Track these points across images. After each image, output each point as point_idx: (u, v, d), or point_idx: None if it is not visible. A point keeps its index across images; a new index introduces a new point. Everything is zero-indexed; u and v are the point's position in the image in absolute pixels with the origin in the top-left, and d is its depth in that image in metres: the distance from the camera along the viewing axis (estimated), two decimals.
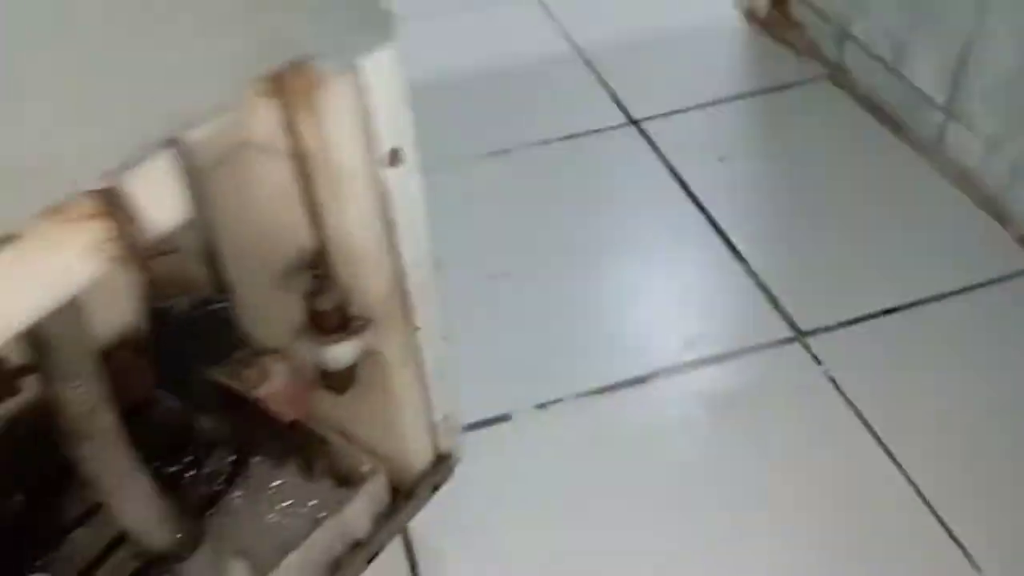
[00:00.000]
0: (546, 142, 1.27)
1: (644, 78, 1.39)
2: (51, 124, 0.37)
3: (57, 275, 0.42)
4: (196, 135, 0.45)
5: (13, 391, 0.68)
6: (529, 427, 0.92)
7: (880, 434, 0.87)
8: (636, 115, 1.32)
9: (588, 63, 1.44)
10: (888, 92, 1.24)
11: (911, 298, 1.00)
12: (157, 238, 0.45)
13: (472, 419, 0.86)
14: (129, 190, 0.43)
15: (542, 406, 0.93)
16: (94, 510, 0.71)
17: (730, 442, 0.89)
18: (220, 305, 0.50)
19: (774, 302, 1.01)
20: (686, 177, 1.19)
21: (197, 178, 0.46)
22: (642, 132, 1.29)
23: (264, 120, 0.51)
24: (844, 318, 0.99)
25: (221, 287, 0.51)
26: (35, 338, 0.49)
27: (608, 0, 1.61)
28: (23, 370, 0.63)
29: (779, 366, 0.95)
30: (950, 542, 0.78)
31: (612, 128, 1.30)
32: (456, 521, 0.82)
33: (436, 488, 0.78)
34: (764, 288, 1.03)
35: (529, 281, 1.07)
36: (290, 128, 0.52)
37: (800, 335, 0.97)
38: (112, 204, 0.42)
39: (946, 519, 0.80)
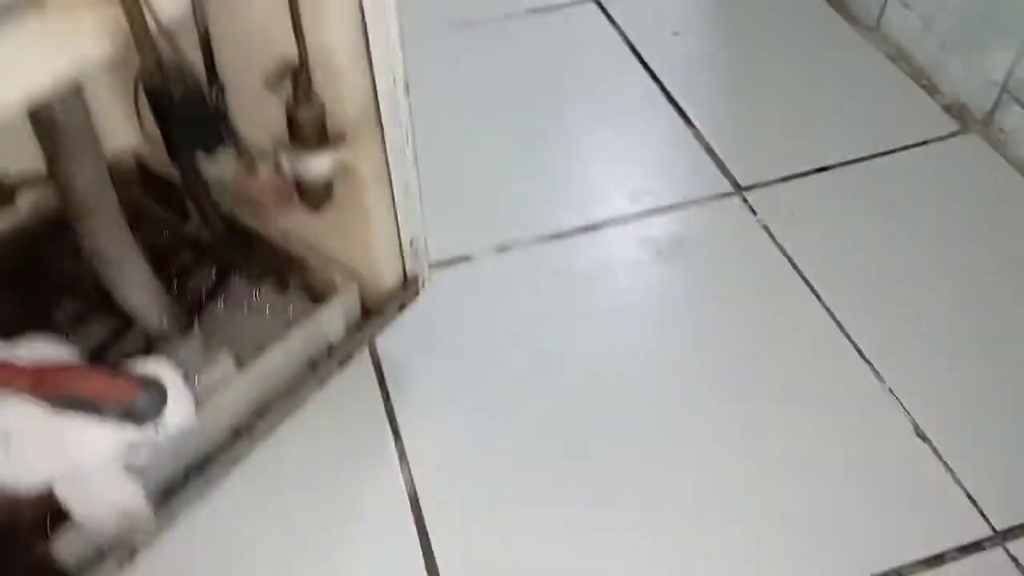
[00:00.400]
0: (509, 16, 1.32)
1: None
2: None
3: (74, 48, 0.48)
4: None
5: (11, 201, 0.75)
6: (488, 266, 1.00)
7: (807, 277, 0.97)
8: None
9: None
10: None
11: (843, 158, 1.09)
12: (162, 26, 0.51)
13: (436, 258, 0.93)
14: None
15: (501, 248, 1.01)
16: (94, 309, 0.78)
17: (671, 282, 0.98)
18: (216, 100, 0.57)
19: (717, 161, 1.10)
20: (641, 50, 1.26)
21: None
22: (602, 8, 1.34)
23: None
24: (780, 175, 1.07)
25: (216, 82, 0.57)
26: (47, 122, 0.54)
27: None
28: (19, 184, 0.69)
29: (719, 218, 1.04)
30: (861, 361, 0.89)
31: (573, 4, 1.35)
32: (419, 341, 0.91)
33: (403, 307, 0.86)
34: (709, 149, 1.11)
35: (490, 139, 1.14)
36: None
37: (739, 189, 1.06)
38: None
39: (859, 343, 0.90)
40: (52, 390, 0.53)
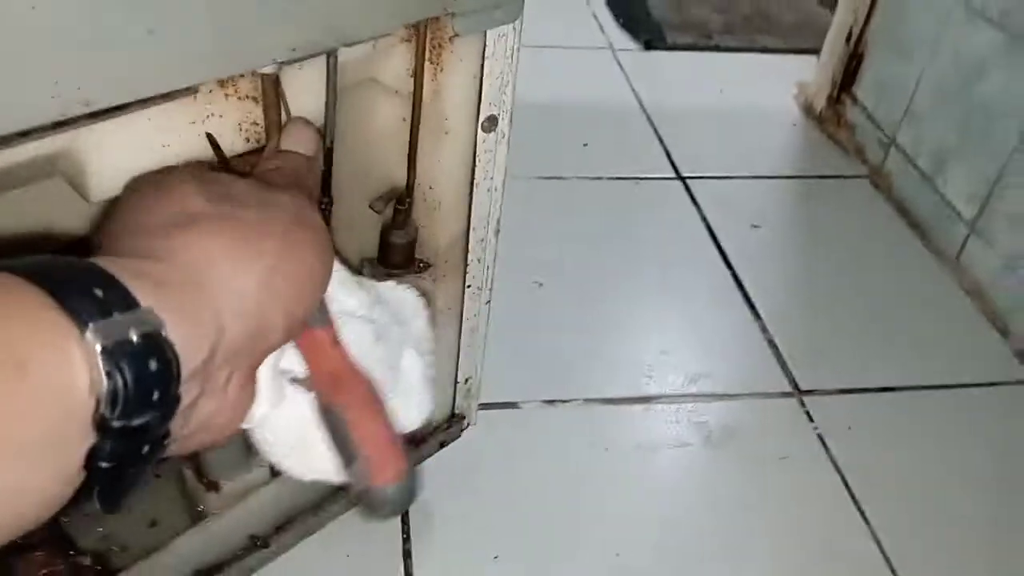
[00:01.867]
0: (598, 178, 1.36)
1: (697, 141, 1.48)
2: (254, 7, 0.45)
3: (204, 140, 0.50)
4: (345, 55, 0.53)
5: None
6: (535, 419, 0.98)
7: (857, 497, 0.93)
8: (684, 172, 1.41)
9: (648, 117, 1.53)
10: (921, 200, 1.33)
11: (908, 383, 1.07)
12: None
13: (483, 400, 0.92)
14: (284, 83, 0.51)
15: (550, 403, 1.00)
16: None
17: (717, 472, 0.95)
18: (322, 207, 0.58)
19: (780, 359, 1.08)
20: (719, 235, 1.28)
21: (333, 93, 0.54)
22: (687, 188, 1.37)
23: (395, 63, 0.59)
24: (841, 386, 1.05)
25: (328, 194, 0.58)
26: None
27: (677, 66, 1.72)
28: None
29: (774, 416, 1.02)
30: None
31: (660, 179, 1.39)
32: (451, 483, 0.88)
33: (443, 445, 0.85)
34: (773, 345, 1.10)
35: (559, 293, 1.14)
36: (414, 75, 0.60)
37: (799, 392, 1.04)
38: (267, 91, 0.50)
39: None
40: (335, 399, 0.46)
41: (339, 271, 0.47)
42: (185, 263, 0.36)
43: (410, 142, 0.63)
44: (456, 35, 0.57)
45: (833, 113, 1.55)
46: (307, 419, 0.46)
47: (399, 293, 0.54)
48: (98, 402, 0.29)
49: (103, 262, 0.32)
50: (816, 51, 1.63)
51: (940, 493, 0.94)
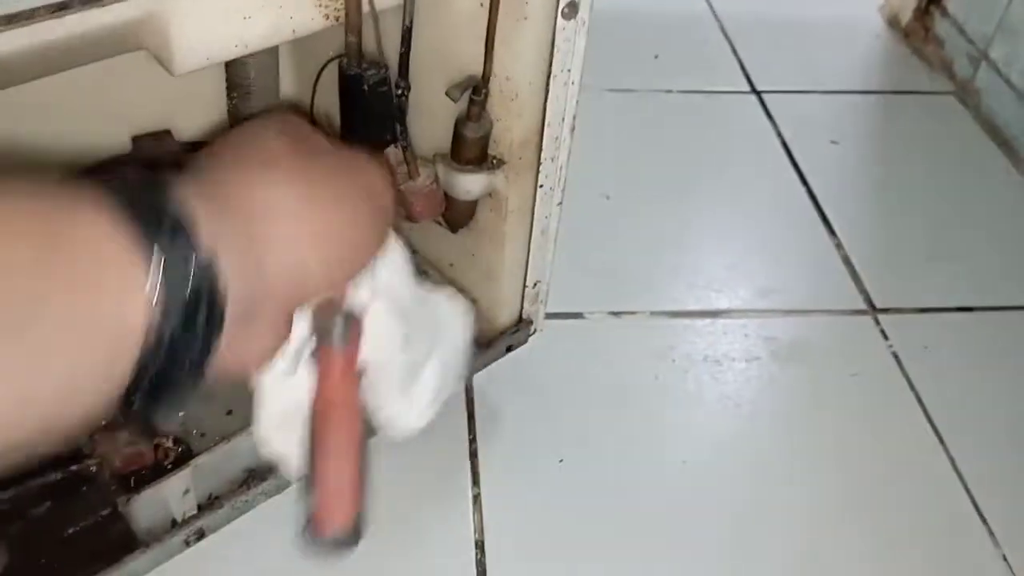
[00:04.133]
0: (669, 91, 1.32)
1: (775, 55, 1.42)
2: None
3: (292, 13, 0.49)
4: None
5: None
6: (600, 329, 0.97)
7: (932, 416, 0.91)
8: (760, 86, 1.35)
9: (723, 28, 1.47)
10: (1012, 118, 1.26)
11: (986, 303, 1.03)
12: (375, 12, 0.51)
13: (550, 309, 0.91)
14: None
15: (616, 314, 0.99)
16: None
17: (784, 388, 0.93)
18: (399, 92, 0.57)
19: (855, 276, 1.05)
20: (795, 150, 1.23)
21: None
22: (762, 102, 1.32)
23: None
24: (919, 305, 1.02)
25: (406, 80, 0.57)
26: (241, 76, 0.55)
27: None
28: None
29: (847, 334, 0.99)
30: (977, 518, 0.82)
31: (734, 92, 1.34)
32: (517, 388, 0.88)
33: (510, 349, 0.85)
34: (847, 262, 1.07)
35: (627, 206, 1.12)
36: None
37: (873, 310, 1.01)
38: None
39: (977, 498, 0.84)
40: (318, 425, 0.46)
41: (402, 260, 0.47)
42: (251, 198, 0.37)
43: (488, 28, 0.61)
44: None
45: (920, 26, 1.47)
46: (299, 405, 0.46)
47: (448, 305, 0.53)
48: (150, 326, 0.31)
49: (179, 183, 0.34)
50: None
51: (1017, 414, 0.92)
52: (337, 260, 0.41)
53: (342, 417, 0.46)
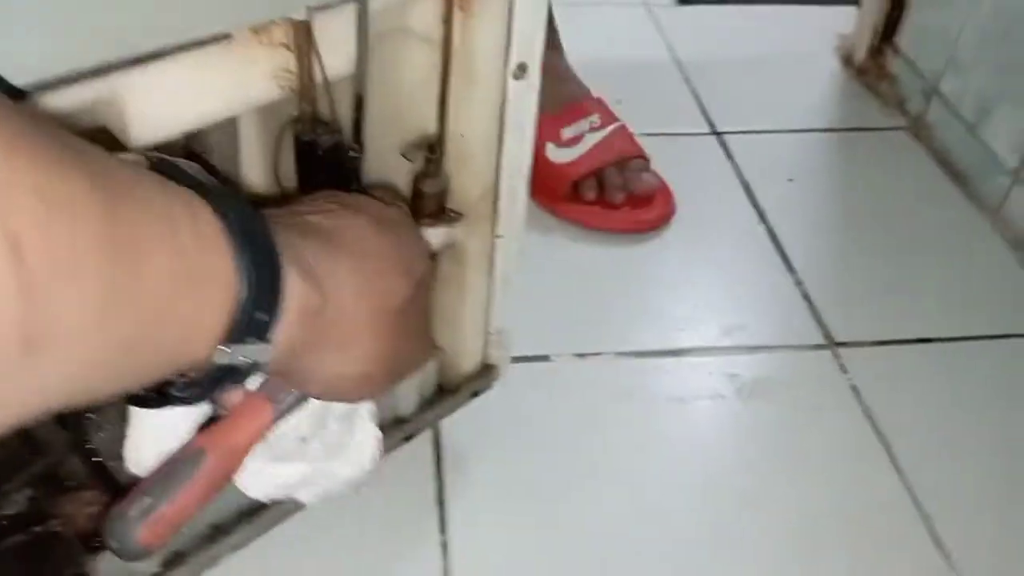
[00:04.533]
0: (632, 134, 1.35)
1: (735, 97, 1.46)
2: None
3: (247, 85, 0.51)
4: (376, 2, 0.54)
5: None
6: (566, 371, 0.99)
7: (892, 449, 0.93)
8: (720, 127, 1.39)
9: (683, 73, 1.51)
10: (963, 151, 1.30)
11: (944, 334, 1.06)
12: (328, 80, 0.54)
13: (514, 353, 0.92)
14: (315, 31, 0.51)
15: (581, 356, 1.01)
16: None
17: (749, 423, 0.95)
18: (352, 155, 0.59)
19: (814, 311, 1.08)
20: (754, 188, 1.26)
21: (364, 41, 0.55)
22: (722, 143, 1.36)
23: (426, 11, 0.59)
24: (877, 338, 1.05)
25: (359, 142, 0.59)
26: (200, 149, 0.57)
27: (713, 20, 1.69)
28: None
29: (807, 368, 1.01)
30: (938, 553, 0.84)
31: (695, 134, 1.38)
32: (484, 431, 0.90)
33: (475, 394, 0.86)
34: (807, 297, 1.09)
35: (590, 247, 1.15)
36: (444, 22, 0.60)
37: (832, 344, 1.04)
38: (300, 38, 0.51)
39: (939, 532, 0.85)
40: (207, 447, 0.49)
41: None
42: (330, 233, 0.45)
43: (440, 90, 0.63)
44: None
45: (873, 64, 1.51)
46: (175, 425, 0.49)
47: (366, 435, 0.61)
48: (236, 301, 0.37)
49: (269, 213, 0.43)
50: (855, 1, 1.59)
51: (976, 443, 0.94)
52: (381, 377, 0.49)
53: (231, 464, 0.49)
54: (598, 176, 1.18)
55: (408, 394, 0.79)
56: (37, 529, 0.59)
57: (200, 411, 0.49)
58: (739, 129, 1.39)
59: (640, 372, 1.00)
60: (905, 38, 1.46)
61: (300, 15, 0.49)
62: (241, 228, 0.37)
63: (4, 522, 0.62)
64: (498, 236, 0.75)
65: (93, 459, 0.66)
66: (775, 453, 0.92)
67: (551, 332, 1.02)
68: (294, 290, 0.40)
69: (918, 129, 1.40)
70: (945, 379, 1.01)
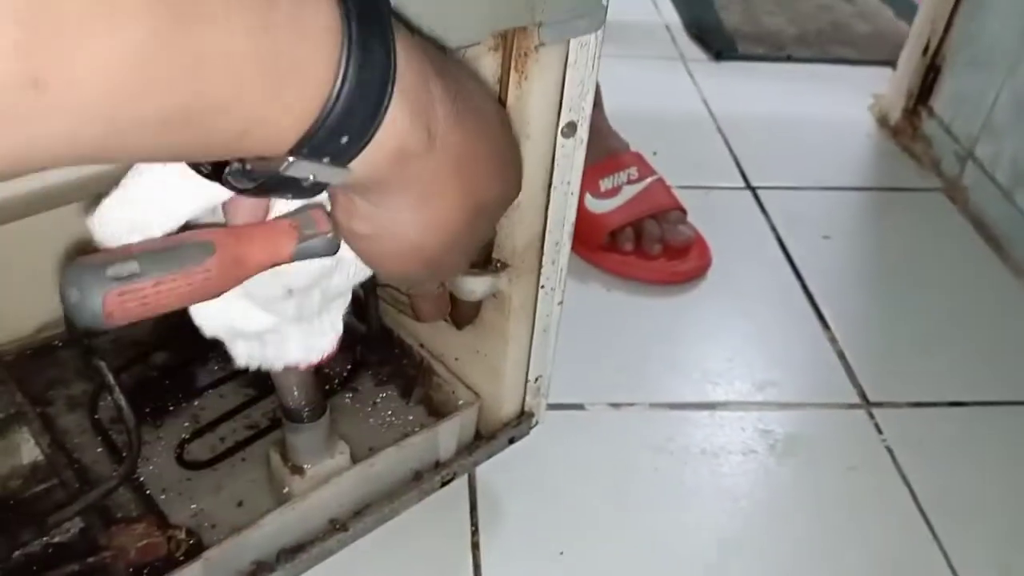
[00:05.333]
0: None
1: (769, 153, 1.48)
2: None
3: None
4: None
5: None
6: (601, 420, 1.00)
7: (928, 513, 0.92)
8: (754, 182, 1.41)
9: (719, 127, 1.54)
10: (999, 215, 1.31)
11: (979, 398, 1.05)
12: None
13: (550, 401, 0.94)
14: None
15: (615, 405, 1.01)
16: (227, 378, 0.82)
17: (782, 480, 0.95)
18: None
19: (849, 370, 1.08)
20: (789, 245, 1.28)
21: None
22: (756, 198, 1.38)
23: (481, 71, 0.62)
24: (912, 400, 1.05)
25: None
26: None
27: (749, 77, 1.72)
28: None
29: (842, 428, 1.01)
30: None
31: (730, 188, 1.40)
32: (518, 477, 0.91)
33: (512, 441, 0.87)
34: (842, 355, 1.10)
35: (627, 299, 1.16)
36: (499, 82, 0.62)
37: (867, 403, 1.04)
38: None
39: None
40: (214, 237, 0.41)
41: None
42: (465, 90, 0.39)
43: None
44: (542, 44, 0.60)
45: (908, 125, 1.53)
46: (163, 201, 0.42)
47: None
48: (335, 87, 0.32)
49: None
50: (891, 63, 1.61)
51: (1009, 508, 0.93)
52: (422, 263, 0.42)
53: (230, 274, 0.41)
54: (635, 227, 1.20)
55: (448, 438, 0.81)
56: (89, 560, 0.61)
57: (208, 200, 0.42)
58: (773, 184, 1.41)
59: (673, 424, 1.00)
60: (940, 102, 1.48)
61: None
62: (361, 33, 0.31)
63: (52, 550, 0.64)
64: (541, 287, 0.76)
65: (144, 492, 0.68)
66: (807, 511, 0.92)
67: (586, 381, 1.03)
68: (397, 125, 0.34)
69: (953, 191, 1.41)
70: (980, 443, 1.01)
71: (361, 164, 0.34)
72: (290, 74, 0.30)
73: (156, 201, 0.41)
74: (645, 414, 1.01)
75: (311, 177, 0.33)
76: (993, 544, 0.90)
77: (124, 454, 0.69)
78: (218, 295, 0.42)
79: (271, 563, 0.67)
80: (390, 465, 0.76)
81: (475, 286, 0.72)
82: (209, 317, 0.48)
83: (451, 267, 0.46)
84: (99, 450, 0.73)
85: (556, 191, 0.70)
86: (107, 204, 0.42)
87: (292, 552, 0.69)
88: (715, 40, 1.83)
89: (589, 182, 1.19)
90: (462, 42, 0.56)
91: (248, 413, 0.78)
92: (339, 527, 0.72)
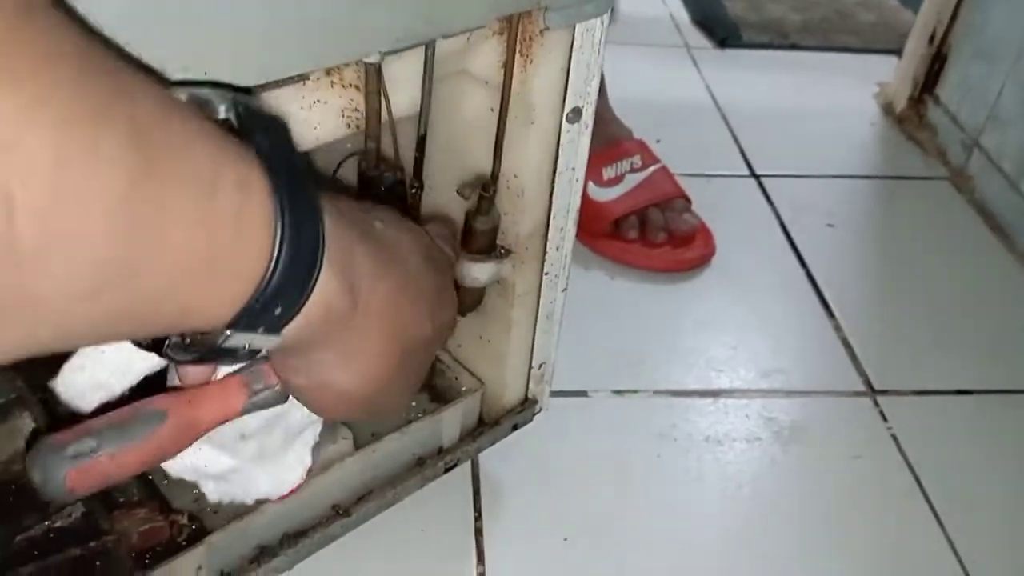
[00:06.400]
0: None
1: (774, 141, 1.48)
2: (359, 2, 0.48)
3: (311, 125, 0.53)
4: (441, 47, 0.56)
5: None
6: (604, 407, 1.00)
7: (932, 500, 0.92)
8: (758, 170, 1.40)
9: (723, 115, 1.53)
10: (1004, 204, 1.30)
11: (984, 387, 1.05)
12: (393, 120, 0.56)
13: (553, 388, 0.93)
14: (385, 73, 0.53)
15: (618, 392, 1.01)
16: None
17: (786, 468, 0.95)
18: (413, 191, 0.61)
19: (854, 358, 1.08)
20: (793, 233, 1.27)
21: (429, 83, 0.57)
22: (761, 186, 1.37)
23: (486, 55, 0.61)
24: (917, 388, 1.04)
25: (420, 180, 0.61)
26: None
27: (753, 65, 1.71)
28: None
29: (847, 415, 1.01)
30: None
31: (734, 176, 1.39)
32: (521, 463, 0.90)
33: (515, 427, 0.87)
34: (846, 344, 1.09)
35: (630, 286, 1.16)
36: (504, 67, 0.62)
37: (872, 391, 1.03)
38: (370, 80, 0.53)
39: None
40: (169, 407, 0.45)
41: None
42: (387, 245, 0.43)
43: (497, 131, 0.65)
44: (547, 28, 0.59)
45: (914, 113, 1.52)
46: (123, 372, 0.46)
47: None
48: (268, 268, 0.34)
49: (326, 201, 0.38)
50: (896, 51, 1.60)
51: (1015, 496, 0.93)
52: (362, 403, 0.45)
53: (185, 436, 0.45)
54: (640, 215, 1.20)
55: (451, 424, 0.81)
56: (91, 544, 0.61)
57: (158, 363, 0.45)
58: (777, 172, 1.40)
59: (677, 412, 1.00)
60: (946, 90, 1.47)
61: (374, 58, 0.51)
62: (293, 218, 0.33)
63: (54, 535, 0.64)
64: (545, 274, 0.76)
65: (147, 477, 0.67)
66: (812, 499, 0.92)
67: (590, 368, 1.03)
68: (326, 289, 0.37)
69: (959, 180, 1.40)
70: (985, 431, 1.00)
71: (291, 329, 0.37)
72: (226, 266, 0.32)
73: (113, 362, 0.45)
74: (649, 401, 1.01)
75: (246, 346, 0.36)
76: (998, 531, 0.89)
77: None
78: (175, 456, 0.45)
79: (274, 548, 0.67)
80: (393, 451, 0.75)
81: (479, 272, 0.72)
82: (173, 460, 0.50)
83: (391, 405, 0.49)
84: None
85: (560, 177, 0.69)
86: (68, 368, 0.45)
87: (295, 537, 0.69)
88: (719, 28, 1.82)
89: (592, 170, 1.19)
90: (469, 25, 0.55)
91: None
92: (342, 512, 0.72)
